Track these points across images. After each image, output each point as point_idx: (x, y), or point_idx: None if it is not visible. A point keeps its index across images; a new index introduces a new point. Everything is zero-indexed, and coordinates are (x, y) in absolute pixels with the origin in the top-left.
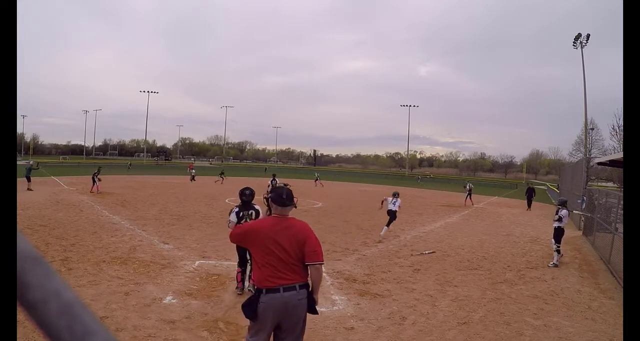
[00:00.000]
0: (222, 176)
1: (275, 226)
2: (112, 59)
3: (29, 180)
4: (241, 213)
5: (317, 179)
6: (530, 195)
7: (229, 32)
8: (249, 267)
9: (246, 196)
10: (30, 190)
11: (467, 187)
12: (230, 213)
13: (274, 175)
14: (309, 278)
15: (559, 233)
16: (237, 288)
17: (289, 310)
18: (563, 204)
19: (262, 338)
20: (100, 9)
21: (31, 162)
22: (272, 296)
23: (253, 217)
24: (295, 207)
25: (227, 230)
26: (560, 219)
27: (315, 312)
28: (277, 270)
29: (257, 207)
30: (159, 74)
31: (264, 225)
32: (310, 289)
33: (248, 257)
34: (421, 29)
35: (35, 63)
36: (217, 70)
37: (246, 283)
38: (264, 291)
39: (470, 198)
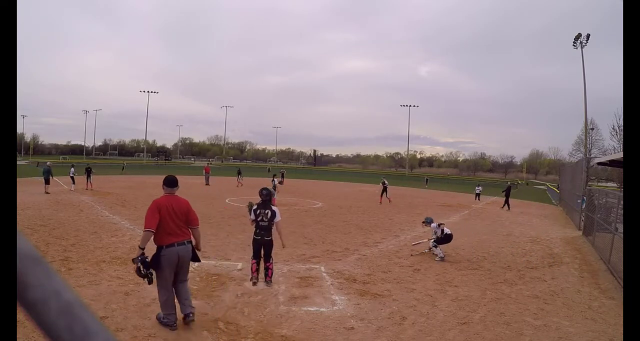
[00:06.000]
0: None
1: (170, 200)
2: (111, 59)
3: (47, 182)
4: (258, 211)
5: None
6: (507, 193)
7: (229, 32)
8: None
9: (263, 195)
10: (48, 193)
11: (383, 184)
12: (250, 211)
13: (274, 175)
14: (192, 237)
15: (448, 239)
16: (251, 279)
17: (181, 258)
18: (429, 222)
19: (166, 282)
20: (100, 9)
21: (49, 163)
22: (170, 250)
23: (268, 216)
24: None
25: (227, 229)
26: (435, 232)
27: (198, 260)
28: (173, 231)
29: (274, 208)
30: (159, 73)
31: (164, 201)
32: (194, 244)
33: (262, 253)
34: (421, 28)
35: (35, 63)
36: (217, 70)
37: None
38: (164, 247)
39: (387, 195)
